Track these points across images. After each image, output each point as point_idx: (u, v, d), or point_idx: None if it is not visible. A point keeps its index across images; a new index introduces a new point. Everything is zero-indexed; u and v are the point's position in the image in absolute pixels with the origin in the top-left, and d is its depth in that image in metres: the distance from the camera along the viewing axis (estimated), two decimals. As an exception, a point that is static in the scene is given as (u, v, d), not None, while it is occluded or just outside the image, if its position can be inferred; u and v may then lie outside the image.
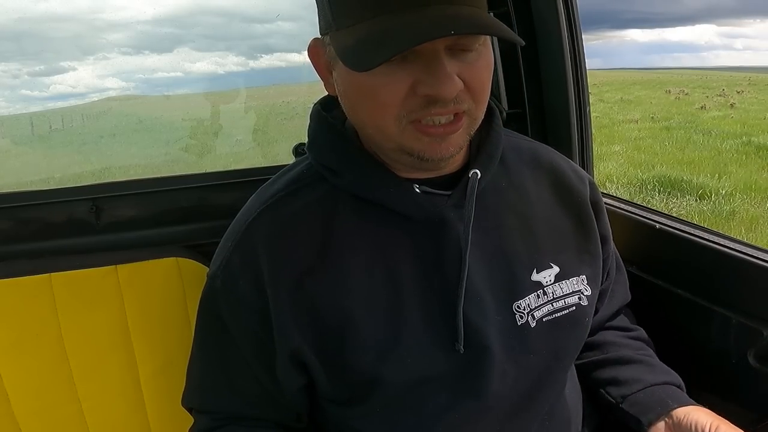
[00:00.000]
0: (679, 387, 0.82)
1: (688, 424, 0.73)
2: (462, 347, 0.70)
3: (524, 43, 0.65)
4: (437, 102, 0.61)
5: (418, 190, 0.70)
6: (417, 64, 0.60)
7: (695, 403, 0.78)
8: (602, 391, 0.85)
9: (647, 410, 0.78)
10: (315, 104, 0.78)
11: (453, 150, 0.66)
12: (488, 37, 0.65)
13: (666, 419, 0.76)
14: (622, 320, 0.92)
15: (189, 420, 0.84)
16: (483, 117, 0.69)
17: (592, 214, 0.82)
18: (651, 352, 0.88)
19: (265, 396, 0.76)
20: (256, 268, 0.70)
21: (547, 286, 0.75)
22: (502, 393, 0.72)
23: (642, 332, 0.92)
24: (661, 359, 0.87)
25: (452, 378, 0.71)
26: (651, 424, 0.77)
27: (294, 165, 0.79)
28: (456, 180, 0.73)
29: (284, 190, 0.74)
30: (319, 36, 0.69)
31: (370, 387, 0.70)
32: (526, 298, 0.74)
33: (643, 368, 0.84)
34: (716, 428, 0.70)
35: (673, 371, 0.85)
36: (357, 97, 0.65)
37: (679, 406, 0.76)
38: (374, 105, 0.63)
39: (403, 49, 0.57)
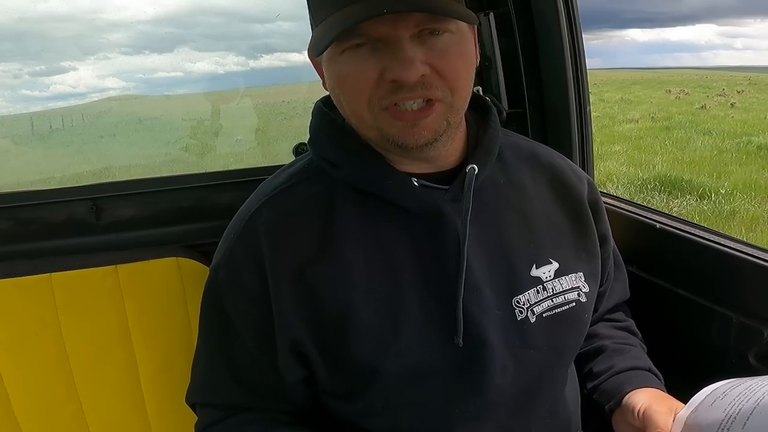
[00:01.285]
0: (647, 370, 0.82)
1: (629, 406, 0.75)
2: (461, 340, 0.70)
3: (478, 23, 0.66)
4: (403, 87, 0.63)
5: (416, 183, 0.71)
6: (385, 52, 0.63)
7: (656, 383, 0.79)
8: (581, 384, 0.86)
9: (609, 398, 0.79)
10: (317, 102, 0.79)
11: (428, 135, 0.67)
12: (461, 26, 0.66)
13: (621, 404, 0.77)
14: (616, 314, 0.93)
15: (189, 419, 0.83)
16: (465, 107, 0.70)
17: (590, 212, 0.82)
18: (634, 340, 0.89)
19: (269, 387, 0.76)
20: (259, 258, 0.71)
21: (546, 281, 0.75)
22: (503, 388, 0.72)
23: (631, 323, 0.92)
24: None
25: (452, 372, 0.71)
26: (612, 411, 0.78)
27: (295, 161, 0.81)
28: (454, 175, 0.74)
29: (286, 183, 0.76)
30: None
31: (369, 380, 0.71)
32: (526, 293, 0.74)
33: (615, 357, 0.84)
34: (644, 410, 0.72)
35: (645, 356, 0.85)
36: (337, 87, 0.68)
37: (632, 389, 0.77)
38: (350, 92, 0.67)
39: (336, 31, 0.61)
